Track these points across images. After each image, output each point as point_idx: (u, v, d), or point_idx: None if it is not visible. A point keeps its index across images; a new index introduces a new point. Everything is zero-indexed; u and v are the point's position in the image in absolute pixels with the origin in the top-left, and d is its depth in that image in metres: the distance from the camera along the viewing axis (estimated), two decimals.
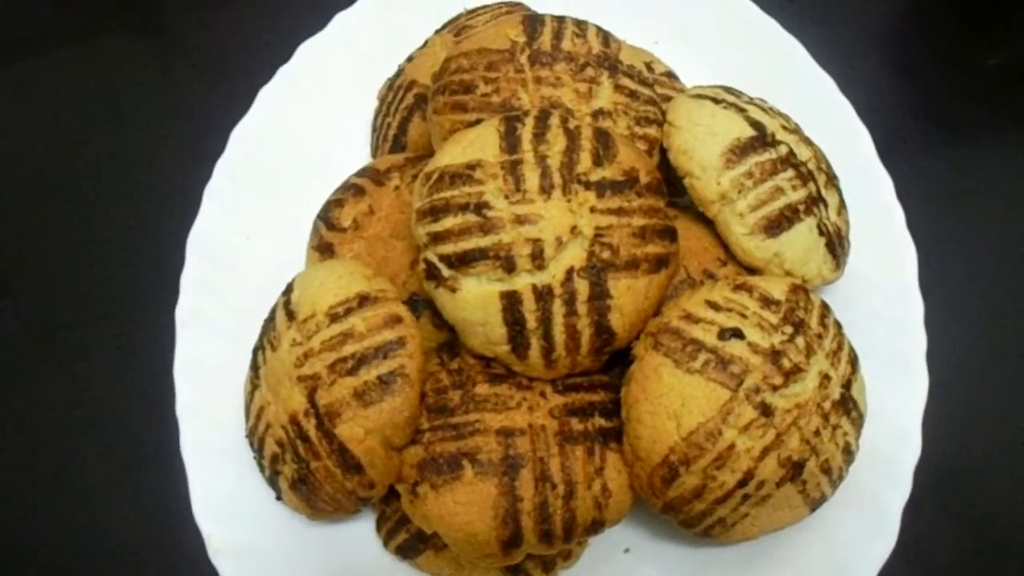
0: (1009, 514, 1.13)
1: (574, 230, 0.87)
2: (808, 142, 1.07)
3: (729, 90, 1.08)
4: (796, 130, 1.07)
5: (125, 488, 1.15)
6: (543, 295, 0.87)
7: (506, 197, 0.87)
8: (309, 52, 1.29)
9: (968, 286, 1.28)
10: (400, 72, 1.24)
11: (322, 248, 1.05)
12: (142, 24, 1.60)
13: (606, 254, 0.88)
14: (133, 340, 1.23)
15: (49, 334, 1.27)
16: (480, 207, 0.87)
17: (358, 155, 1.26)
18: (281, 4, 1.57)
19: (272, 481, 0.96)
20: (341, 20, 1.32)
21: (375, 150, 1.23)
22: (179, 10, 1.61)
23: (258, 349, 0.99)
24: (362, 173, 1.11)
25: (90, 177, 1.42)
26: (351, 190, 1.08)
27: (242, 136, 1.21)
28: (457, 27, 1.21)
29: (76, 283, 1.32)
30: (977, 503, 1.14)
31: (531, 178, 0.88)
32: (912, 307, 1.08)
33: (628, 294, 0.89)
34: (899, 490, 0.98)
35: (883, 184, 1.16)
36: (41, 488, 1.16)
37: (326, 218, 1.06)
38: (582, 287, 0.87)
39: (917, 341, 1.06)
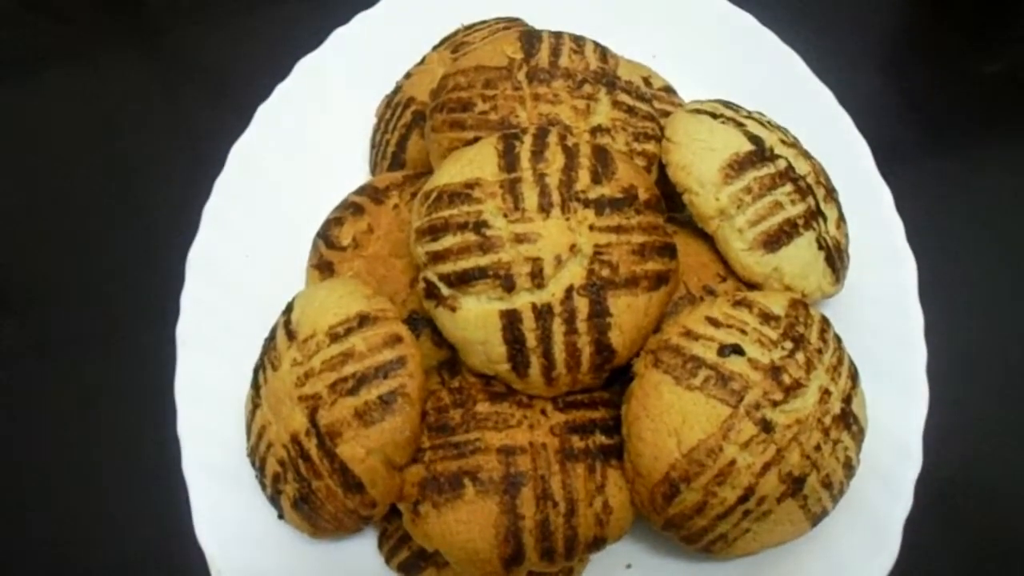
0: (1011, 527, 1.13)
1: (573, 248, 0.87)
2: (807, 155, 1.07)
3: (727, 104, 1.08)
4: (795, 144, 1.08)
5: (127, 507, 1.15)
6: (543, 313, 0.87)
7: (505, 216, 0.88)
8: (307, 69, 1.29)
9: (969, 298, 1.28)
10: (398, 89, 1.24)
11: (322, 266, 1.05)
12: (141, 42, 1.61)
13: (605, 272, 0.88)
14: (134, 359, 1.23)
15: (50, 351, 1.28)
16: (479, 226, 0.87)
17: (357, 172, 1.26)
18: (279, 21, 1.57)
19: (274, 500, 0.96)
20: (338, 37, 1.32)
21: (374, 167, 1.23)
22: (178, 28, 1.61)
23: (259, 368, 0.99)
24: (361, 191, 1.11)
25: (90, 194, 1.42)
26: (350, 208, 1.08)
27: (240, 154, 1.21)
28: (454, 44, 1.21)
29: (76, 301, 1.32)
30: (979, 516, 1.14)
31: (530, 196, 0.88)
32: (912, 320, 1.08)
33: (628, 311, 0.89)
34: (900, 503, 0.98)
35: (883, 197, 1.17)
36: (41, 505, 1.16)
37: (325, 236, 1.07)
38: (582, 305, 0.87)
39: (917, 354, 1.06)
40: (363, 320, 0.90)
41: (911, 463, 1.00)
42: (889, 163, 1.20)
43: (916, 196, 1.19)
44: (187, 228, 1.16)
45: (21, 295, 1.34)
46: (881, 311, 1.10)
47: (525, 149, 0.91)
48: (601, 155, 0.93)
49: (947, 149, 1.46)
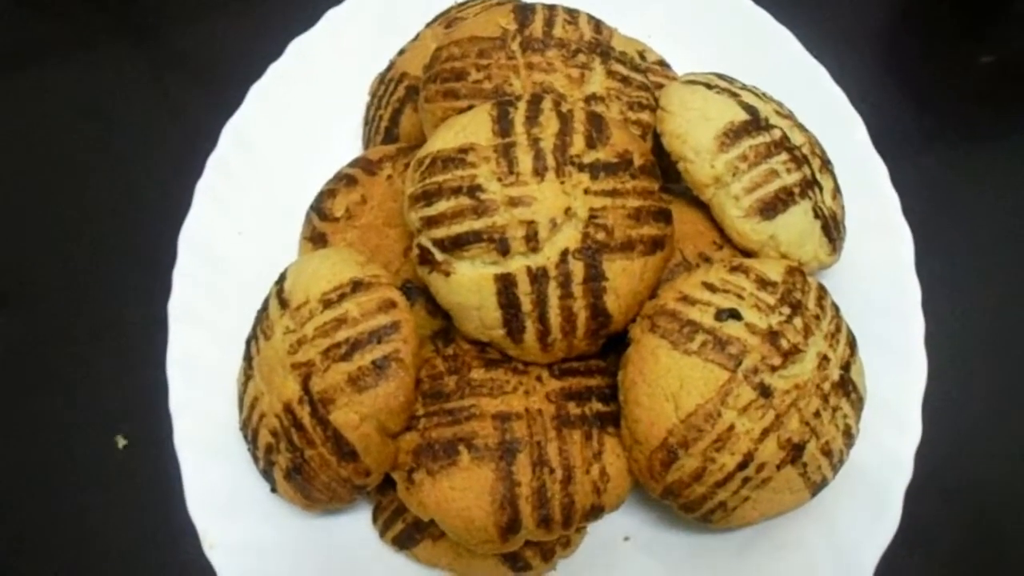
0: (1010, 498, 1.13)
1: (568, 212, 0.87)
2: (802, 128, 1.07)
3: (722, 76, 1.08)
4: (790, 116, 1.07)
5: (120, 485, 1.14)
6: (538, 277, 0.86)
7: (499, 180, 0.87)
8: (300, 49, 1.29)
9: (964, 273, 1.28)
10: (391, 66, 1.24)
11: (315, 238, 1.04)
12: (135, 33, 1.60)
13: (601, 235, 0.87)
14: (126, 338, 1.23)
15: (40, 333, 1.27)
16: (473, 190, 0.87)
17: (350, 150, 1.25)
18: (272, 7, 1.57)
19: (267, 472, 0.95)
20: (331, 17, 1.32)
21: (367, 143, 1.23)
22: (171, 18, 1.61)
23: (251, 339, 0.98)
24: (354, 163, 1.10)
25: (82, 182, 1.41)
26: (343, 180, 1.07)
27: (233, 131, 1.20)
28: (448, 20, 1.21)
29: (68, 283, 1.31)
30: (979, 487, 1.13)
31: (524, 160, 0.88)
32: (909, 292, 1.08)
33: (623, 275, 0.88)
34: (900, 474, 0.97)
35: (878, 171, 1.16)
36: (36, 487, 1.15)
37: (319, 208, 1.06)
38: (577, 269, 0.87)
39: (915, 325, 1.06)
40: (356, 286, 0.89)
41: (911, 434, 0.99)
42: (884, 144, 1.19)
43: (911, 175, 1.19)
44: (182, 211, 1.15)
45: (14, 281, 1.33)
46: (878, 283, 1.09)
47: (519, 115, 0.91)
48: (596, 120, 0.92)
49: (942, 130, 1.46)
